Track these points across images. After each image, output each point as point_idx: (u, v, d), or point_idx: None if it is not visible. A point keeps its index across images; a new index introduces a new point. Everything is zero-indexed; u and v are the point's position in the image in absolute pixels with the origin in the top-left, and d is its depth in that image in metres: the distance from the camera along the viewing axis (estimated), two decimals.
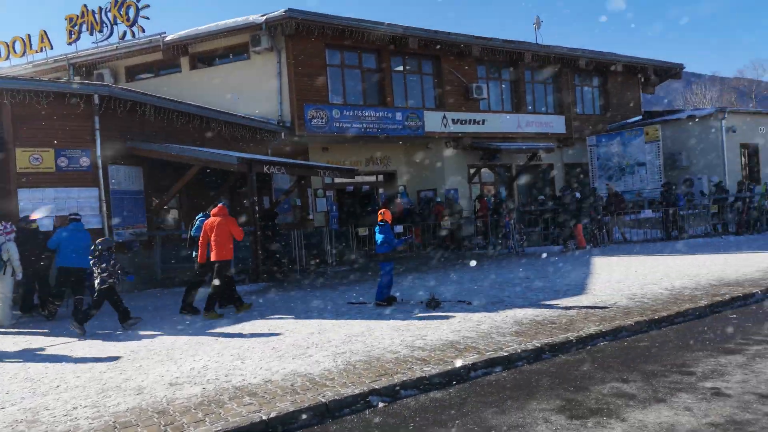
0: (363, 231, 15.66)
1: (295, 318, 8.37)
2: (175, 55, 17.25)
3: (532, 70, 21.68)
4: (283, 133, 16.02)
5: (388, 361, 5.73)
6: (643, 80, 24.87)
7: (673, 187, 17.70)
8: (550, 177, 22.66)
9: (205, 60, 17.95)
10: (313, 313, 8.63)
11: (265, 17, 15.71)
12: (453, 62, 19.21)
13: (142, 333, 7.88)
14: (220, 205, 9.11)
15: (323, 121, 16.38)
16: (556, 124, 21.74)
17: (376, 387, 5.02)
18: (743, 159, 21.97)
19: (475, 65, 19.85)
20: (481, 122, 19.62)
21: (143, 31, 17.12)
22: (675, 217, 16.83)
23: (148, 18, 17.17)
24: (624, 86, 24.21)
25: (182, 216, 14.06)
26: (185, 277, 12.75)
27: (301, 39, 16.14)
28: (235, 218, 9.31)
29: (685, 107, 45.07)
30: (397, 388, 5.08)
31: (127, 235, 12.13)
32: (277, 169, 13.15)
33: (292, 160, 15.14)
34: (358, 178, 19.07)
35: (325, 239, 15.46)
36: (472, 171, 20.40)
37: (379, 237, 9.01)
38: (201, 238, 9.03)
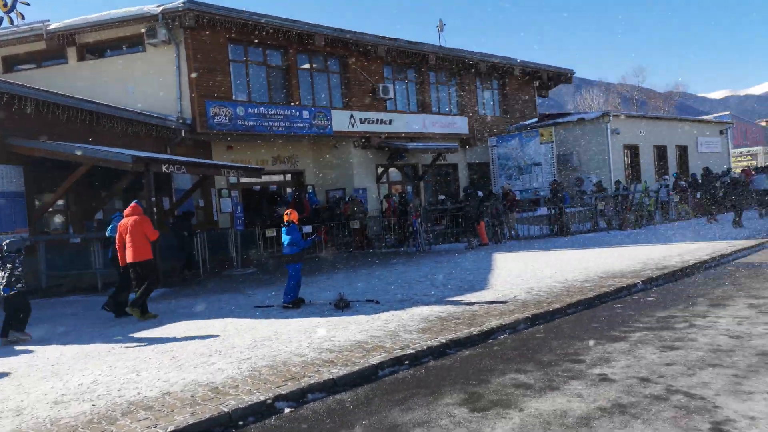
0: (270, 232, 15.33)
1: (197, 324, 8.01)
2: (61, 45, 15.96)
3: (436, 71, 22.28)
4: (183, 131, 15.31)
5: (295, 365, 5.63)
6: (537, 84, 26.35)
7: (560, 185, 18.91)
8: (455, 176, 23.39)
9: (94, 51, 16.75)
10: (217, 319, 8.31)
11: (161, 8, 14.91)
12: (360, 61, 19.30)
13: (22, 347, 7.20)
14: (133, 203, 8.82)
15: (227, 118, 15.84)
16: (460, 124, 22.48)
17: (283, 392, 4.91)
18: (627, 159, 23.89)
19: (381, 65, 20.06)
20: (388, 122, 19.86)
21: (23, 18, 15.69)
22: (562, 214, 17.97)
23: (28, 4, 15.79)
24: (521, 90, 25.51)
25: (70, 219, 13.04)
26: (80, 284, 11.90)
27: (202, 32, 15.49)
28: (149, 218, 9.09)
29: (576, 110, 48.37)
30: (304, 392, 5.00)
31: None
32: (177, 169, 12.55)
33: (193, 159, 14.50)
34: (265, 178, 18.66)
35: (230, 241, 14.97)
36: (380, 170, 20.61)
37: (285, 238, 8.85)
38: (117, 240, 8.72)
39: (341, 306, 8.31)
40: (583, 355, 5.58)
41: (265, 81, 17.49)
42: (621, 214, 18.85)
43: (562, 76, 26.75)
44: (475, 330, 6.60)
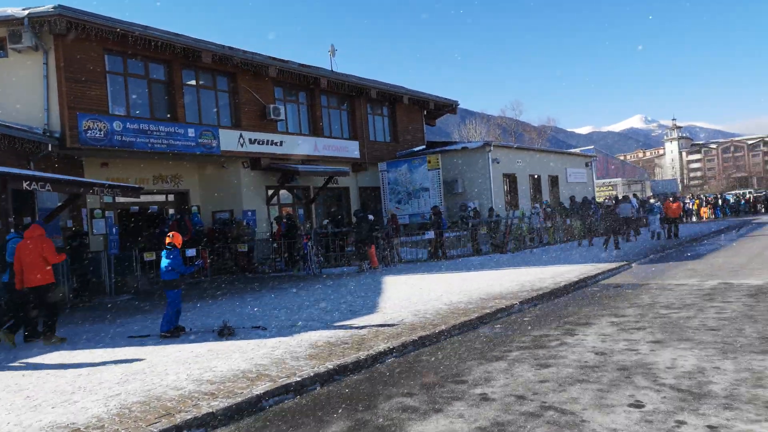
0: (149, 256, 14.37)
1: (60, 356, 7.24)
2: None
3: (328, 95, 22.44)
4: (50, 145, 13.99)
5: (171, 399, 5.24)
6: (426, 113, 27.45)
7: (440, 210, 19.70)
8: (347, 199, 23.53)
9: None
10: (84, 350, 7.56)
11: (27, 11, 13.66)
12: (250, 81, 18.93)
13: None
14: (33, 224, 8.37)
15: (101, 133, 14.73)
16: (351, 149, 22.73)
17: (155, 431, 4.54)
18: (506, 186, 25.47)
19: (272, 86, 19.82)
20: (279, 143, 19.58)
21: None
22: (440, 238, 18.68)
23: None
24: (410, 117, 26.42)
25: None
26: None
27: (75, 40, 14.36)
28: (51, 240, 8.53)
29: (461, 139, 50.97)
30: (180, 428, 4.66)
31: None
32: (41, 186, 11.39)
33: (61, 176, 13.26)
34: (146, 198, 17.53)
35: (103, 265, 13.81)
36: (270, 192, 20.20)
37: (165, 262, 8.32)
38: (15, 263, 8.15)
39: (225, 334, 7.93)
40: (466, 375, 5.75)
41: (147, 96, 16.56)
42: (500, 238, 19.99)
43: (447, 107, 28.09)
44: (363, 354, 6.57)
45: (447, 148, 24.92)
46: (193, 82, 17.85)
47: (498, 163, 23.76)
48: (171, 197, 18.90)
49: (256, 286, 14.04)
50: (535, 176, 27.46)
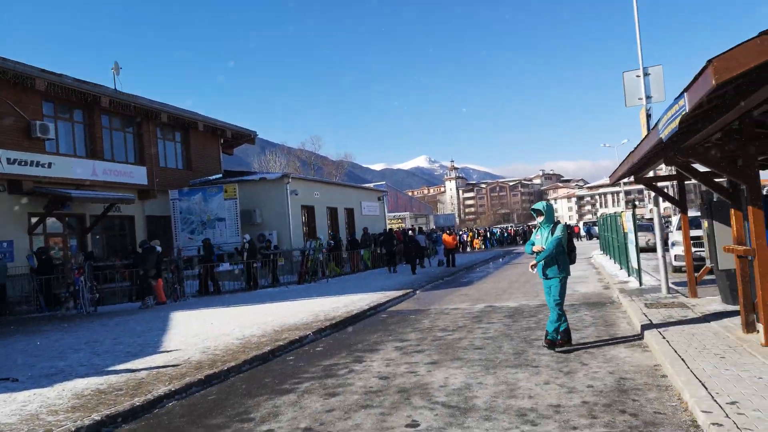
0: None
1: None
2: None
3: (110, 115, 20.49)
4: None
5: None
6: (222, 141, 26.68)
7: (210, 242, 19.30)
8: (132, 229, 21.50)
9: None
10: None
11: None
12: (11, 93, 16.41)
13: None
14: None
15: None
16: (138, 174, 20.94)
17: None
18: (304, 217, 25.83)
19: (41, 100, 17.45)
20: (47, 165, 17.16)
21: None
22: (210, 271, 18.20)
23: None
24: (205, 145, 25.42)
25: None
26: None
27: None
28: None
29: (260, 170, 50.50)
30: None
31: None
32: None
33: None
34: None
35: None
36: (34, 220, 17.51)
37: None
38: None
39: None
40: (254, 412, 5.56)
41: None
42: (297, 268, 20.09)
43: (245, 136, 27.70)
44: (139, 400, 5.95)
45: (245, 178, 24.49)
46: None
47: (296, 194, 24.04)
48: None
49: (9, 330, 11.93)
50: (333, 208, 28.39)
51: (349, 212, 30.37)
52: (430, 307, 12.58)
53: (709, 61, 3.14)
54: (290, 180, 23.88)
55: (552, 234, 7.15)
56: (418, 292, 15.79)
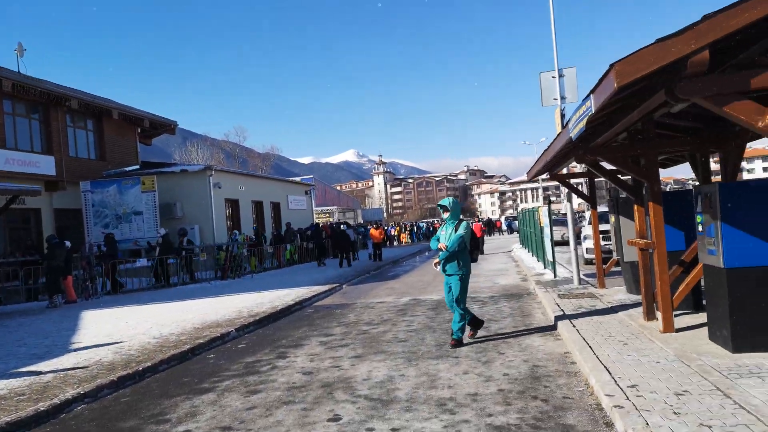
0: None
1: None
2: None
3: (13, 101, 19.00)
4: None
5: None
6: (140, 131, 25.43)
7: (113, 237, 18.46)
8: (38, 223, 20.08)
9: None
10: None
11: None
12: None
13: None
14: None
15: None
16: (45, 164, 19.57)
17: None
18: (228, 211, 25.13)
19: None
20: None
21: None
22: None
23: None
24: (121, 134, 24.13)
25: None
26: None
27: None
28: None
29: (182, 162, 48.64)
30: None
31: None
32: None
33: None
34: None
35: None
36: None
37: None
38: None
39: None
40: (170, 413, 5.37)
41: None
42: (221, 264, 19.56)
43: (165, 126, 26.54)
44: (44, 405, 5.59)
45: (165, 170, 23.47)
46: None
47: (220, 187, 23.34)
48: None
49: None
50: (258, 202, 27.81)
51: (276, 206, 29.88)
52: (356, 301, 12.63)
53: (612, 65, 3.35)
54: (213, 172, 23.14)
55: (455, 231, 7.14)
56: (344, 286, 15.80)
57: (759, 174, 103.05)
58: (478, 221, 38.64)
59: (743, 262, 5.46)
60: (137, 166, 24.11)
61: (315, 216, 38.80)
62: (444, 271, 7.28)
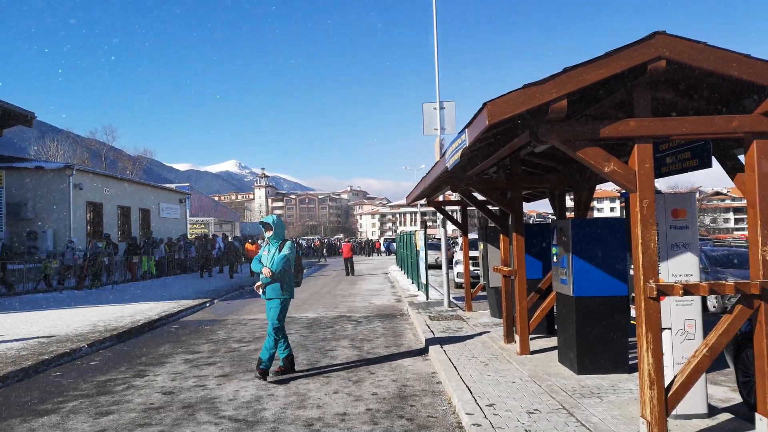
0: None
1: None
2: None
3: None
4: None
5: None
6: None
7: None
8: None
9: None
10: None
11: None
12: None
13: None
14: None
15: None
16: None
17: None
18: (89, 215, 23.10)
19: None
20: None
21: None
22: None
23: None
24: None
25: None
26: None
27: None
28: None
29: (38, 158, 44.06)
30: None
31: None
32: None
33: None
34: None
35: None
36: None
37: None
38: None
39: None
40: None
41: None
42: (76, 272, 17.88)
43: (20, 117, 23.82)
44: None
45: (15, 164, 21.12)
46: None
47: (81, 189, 21.46)
48: None
49: None
50: (125, 207, 25.91)
51: (145, 213, 28.00)
52: (227, 317, 12.16)
53: (485, 104, 3.63)
54: (74, 172, 21.22)
55: (279, 251, 6.55)
56: (216, 301, 15.15)
57: (607, 213, 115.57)
58: (347, 242, 39.15)
59: (589, 292, 6.08)
60: None
61: (189, 226, 36.93)
62: (263, 294, 6.60)
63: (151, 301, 14.11)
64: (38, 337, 9.11)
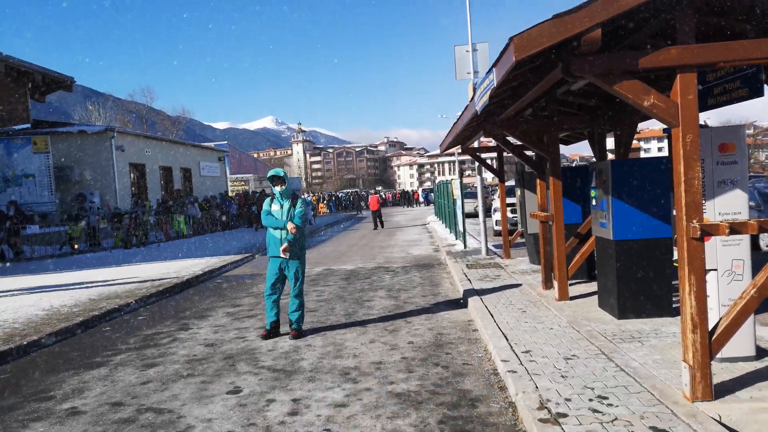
0: None
1: None
2: None
3: None
4: None
5: None
6: (31, 86, 23.24)
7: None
8: None
9: None
10: None
11: None
12: None
13: None
14: None
15: None
16: None
17: None
18: (133, 177, 23.73)
19: None
20: None
21: None
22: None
23: None
24: (8, 89, 21.92)
25: None
26: None
27: None
28: None
29: (81, 122, 45.19)
30: None
31: None
32: None
33: None
34: None
35: None
36: None
37: None
38: None
39: None
40: (55, 390, 5.02)
41: None
42: (124, 232, 18.51)
43: (61, 82, 24.37)
44: None
45: (60, 129, 21.73)
46: None
47: (123, 151, 21.96)
48: None
49: None
50: (167, 168, 26.47)
51: (186, 172, 28.58)
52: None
53: (511, 39, 3.38)
54: (115, 134, 21.68)
55: (294, 206, 6.27)
56: (256, 256, 15.47)
57: (654, 153, 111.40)
58: (374, 193, 38.97)
59: (630, 235, 5.84)
60: (28, 125, 22.10)
61: (230, 184, 37.59)
62: (287, 256, 6.23)
63: (195, 258, 14.52)
64: (89, 295, 9.50)
